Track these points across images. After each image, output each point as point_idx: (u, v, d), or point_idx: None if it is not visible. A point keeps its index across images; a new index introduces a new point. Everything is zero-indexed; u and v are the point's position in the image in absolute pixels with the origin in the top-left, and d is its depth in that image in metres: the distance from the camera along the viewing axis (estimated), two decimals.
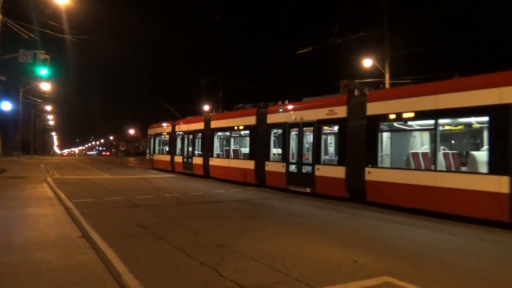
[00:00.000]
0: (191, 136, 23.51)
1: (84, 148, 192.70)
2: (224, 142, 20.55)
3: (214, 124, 21.07)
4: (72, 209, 10.16)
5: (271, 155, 16.47)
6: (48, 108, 59.56)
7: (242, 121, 18.19)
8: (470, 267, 5.77)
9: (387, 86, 23.53)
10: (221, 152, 20.58)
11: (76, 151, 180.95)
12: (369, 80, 24.54)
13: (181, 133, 24.96)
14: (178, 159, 25.01)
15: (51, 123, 79.75)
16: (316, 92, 15.43)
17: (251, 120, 17.42)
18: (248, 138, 18.41)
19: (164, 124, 28.30)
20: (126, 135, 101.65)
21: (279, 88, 57.34)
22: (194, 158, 22.91)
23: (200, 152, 22.49)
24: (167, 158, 26.61)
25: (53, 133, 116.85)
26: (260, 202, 12.66)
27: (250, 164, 17.27)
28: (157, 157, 29.07)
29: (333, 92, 15.37)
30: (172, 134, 26.20)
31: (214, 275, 5.14)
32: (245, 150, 18.78)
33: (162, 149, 28.57)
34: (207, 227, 8.32)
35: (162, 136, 28.35)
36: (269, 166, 16.19)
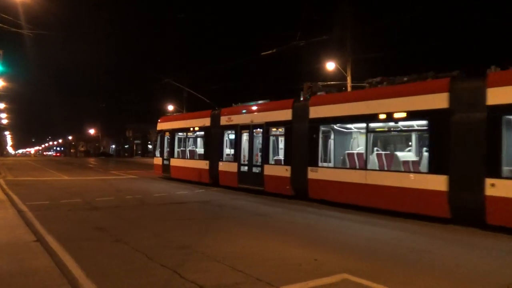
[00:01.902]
0: (256, 134, 15.31)
1: (40, 148, 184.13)
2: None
3: None
4: (25, 212, 9.70)
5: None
6: (1, 106, 56.40)
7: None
8: (423, 263, 6.05)
9: (349, 88, 24.22)
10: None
11: (32, 151, 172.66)
12: (332, 82, 25.17)
13: (237, 128, 16.11)
14: (230, 167, 16.44)
15: (5, 121, 75.63)
16: (281, 93, 15.70)
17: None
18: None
19: (194, 116, 19.83)
20: (86, 135, 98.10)
21: (246, 89, 57.45)
22: (266, 166, 14.51)
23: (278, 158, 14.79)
24: (203, 165, 17.91)
25: (7, 133, 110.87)
26: (224, 202, 12.64)
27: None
28: (177, 162, 20.22)
29: (297, 93, 15.63)
30: (213, 130, 17.49)
31: (174, 276, 5.09)
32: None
33: (191, 151, 19.85)
34: (169, 228, 8.21)
35: (190, 133, 19.72)
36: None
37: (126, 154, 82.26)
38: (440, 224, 8.99)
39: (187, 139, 20.20)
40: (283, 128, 14.00)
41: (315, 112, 12.52)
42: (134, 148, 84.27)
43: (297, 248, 6.69)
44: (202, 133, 18.60)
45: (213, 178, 17.31)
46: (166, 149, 21.58)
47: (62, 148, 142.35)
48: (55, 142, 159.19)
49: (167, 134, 21.51)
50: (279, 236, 7.75)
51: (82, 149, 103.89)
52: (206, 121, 17.94)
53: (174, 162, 20.55)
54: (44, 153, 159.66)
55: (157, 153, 22.52)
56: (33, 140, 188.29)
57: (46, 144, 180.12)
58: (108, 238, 7.24)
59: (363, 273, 5.30)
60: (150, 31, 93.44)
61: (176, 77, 36.86)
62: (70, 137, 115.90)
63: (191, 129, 19.36)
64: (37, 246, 6.37)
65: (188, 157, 19.71)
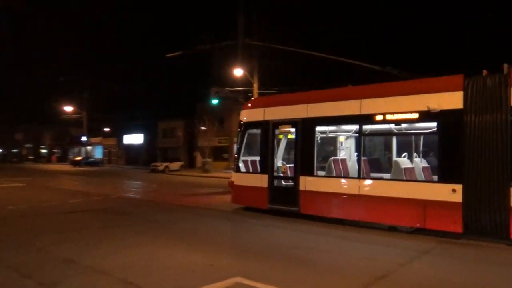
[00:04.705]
0: None
1: None
2: None
3: None
4: None
5: None
6: None
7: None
8: (324, 263, 6.28)
9: (255, 95, 24.86)
10: None
11: None
12: (240, 88, 25.61)
13: None
14: None
15: None
16: (184, 98, 15.35)
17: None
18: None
19: (393, 89, 9.22)
20: None
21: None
22: None
23: None
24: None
25: None
26: (122, 210, 11.93)
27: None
28: (331, 184, 9.86)
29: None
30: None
31: None
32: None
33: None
34: (54, 241, 7.43)
35: (377, 125, 9.52)
36: None
37: (14, 160, 73.35)
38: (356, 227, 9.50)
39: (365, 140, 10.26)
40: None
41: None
42: (25, 152, 75.69)
43: (196, 254, 6.54)
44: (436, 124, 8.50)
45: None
46: (280, 157, 11.36)
47: None
48: None
49: (284, 129, 11.02)
50: (180, 243, 7.51)
51: None
52: (449, 98, 8.09)
53: (319, 184, 9.91)
54: None
55: (246, 165, 11.84)
56: None
57: None
58: None
59: (257, 276, 5.36)
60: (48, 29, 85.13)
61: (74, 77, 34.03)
62: None
63: (387, 117, 8.91)
64: None
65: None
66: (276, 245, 7.44)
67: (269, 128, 10.82)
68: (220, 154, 39.75)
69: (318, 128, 10.11)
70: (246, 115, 11.71)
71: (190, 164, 43.09)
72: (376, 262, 6.29)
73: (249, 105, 12.11)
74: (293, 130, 10.54)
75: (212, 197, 15.55)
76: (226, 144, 39.40)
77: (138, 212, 11.74)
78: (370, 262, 6.31)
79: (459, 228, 7.64)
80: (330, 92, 10.19)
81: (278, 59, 28.14)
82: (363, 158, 9.32)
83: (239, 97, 25.26)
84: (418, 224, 8.13)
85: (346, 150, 11.27)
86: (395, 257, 6.57)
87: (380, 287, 5.17)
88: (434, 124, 8.20)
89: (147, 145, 51.17)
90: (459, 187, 7.60)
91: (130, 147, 54.18)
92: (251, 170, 11.59)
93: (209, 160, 35.36)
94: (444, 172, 7.94)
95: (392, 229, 8.60)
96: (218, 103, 25.93)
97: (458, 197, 7.60)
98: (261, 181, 10.79)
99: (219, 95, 19.39)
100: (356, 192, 9.03)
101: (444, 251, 7.19)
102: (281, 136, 11.40)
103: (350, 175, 9.89)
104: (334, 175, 9.80)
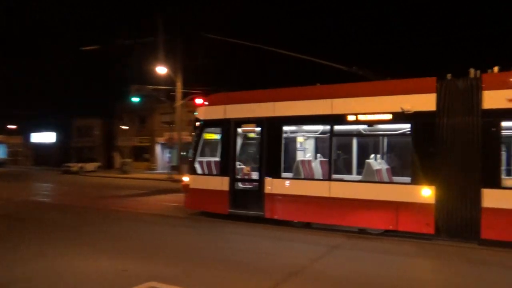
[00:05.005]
0: None
1: None
2: None
3: None
4: None
5: None
6: None
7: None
8: (242, 262, 6.34)
9: (178, 94, 24.42)
10: None
11: None
12: (162, 87, 24.94)
13: None
14: None
15: None
16: (102, 95, 14.32)
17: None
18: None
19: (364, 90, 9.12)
20: None
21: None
22: None
23: None
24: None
25: None
26: (27, 216, 10.89)
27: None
28: (306, 187, 9.54)
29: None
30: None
31: None
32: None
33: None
34: None
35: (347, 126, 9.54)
36: None
37: None
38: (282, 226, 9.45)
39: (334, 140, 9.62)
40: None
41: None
42: None
43: (107, 261, 6.22)
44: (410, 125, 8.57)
45: None
46: (243, 158, 11.32)
47: None
48: None
49: (248, 128, 10.39)
50: (92, 248, 7.05)
51: None
52: (423, 100, 8.22)
53: (286, 186, 9.47)
54: None
55: (204, 166, 10.91)
56: None
57: None
58: None
59: (171, 278, 5.27)
60: None
61: None
62: None
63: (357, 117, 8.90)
64: None
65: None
66: (193, 247, 7.39)
67: (230, 127, 10.12)
68: (140, 154, 38.26)
69: (286, 128, 9.80)
70: (204, 113, 10.77)
71: (108, 164, 40.78)
72: (290, 259, 6.54)
73: (208, 102, 10.92)
74: (258, 129, 9.98)
75: (132, 200, 14.90)
76: (148, 144, 38.07)
77: (45, 217, 10.82)
78: (287, 259, 6.55)
79: (431, 230, 7.74)
80: (300, 91, 9.65)
81: (205, 57, 27.92)
82: (334, 159, 9.18)
83: (160, 95, 24.54)
84: (391, 226, 8.15)
85: (316, 151, 11.05)
86: (308, 253, 6.90)
87: (292, 283, 5.38)
88: (408, 125, 8.23)
89: (60, 144, 47.28)
90: (432, 189, 7.73)
91: (40, 146, 49.64)
92: (209, 172, 10.69)
93: (128, 160, 33.89)
94: (417, 173, 7.94)
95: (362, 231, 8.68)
96: (139, 101, 25.00)
97: (431, 199, 7.73)
98: (221, 183, 10.01)
99: (140, 93, 18.61)
100: (327, 195, 8.73)
101: (354, 245, 7.73)
102: (246, 135, 10.98)
103: (321, 177, 9.67)
104: (303, 176, 9.50)
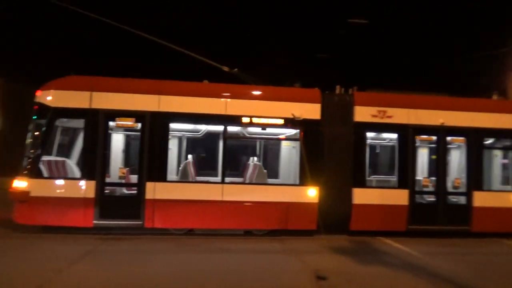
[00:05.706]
0: None
1: None
2: None
3: None
4: None
5: None
6: None
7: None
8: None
9: None
10: None
11: None
12: None
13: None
14: None
15: None
16: None
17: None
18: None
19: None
20: None
21: None
22: None
23: None
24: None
25: None
26: None
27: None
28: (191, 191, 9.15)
29: None
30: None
31: None
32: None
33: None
34: None
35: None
36: None
37: None
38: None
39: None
40: None
41: None
42: None
43: None
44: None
45: None
46: (117, 158, 9.73)
47: None
48: None
49: (124, 123, 9.00)
50: None
51: None
52: (310, 109, 9.18)
53: (173, 191, 8.86)
54: None
55: (54, 168, 8.75)
56: None
57: None
58: None
59: None
60: None
61: None
62: None
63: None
64: None
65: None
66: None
67: (98, 120, 8.39)
68: None
69: (173, 126, 9.00)
70: (57, 98, 8.52)
71: None
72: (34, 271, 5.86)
73: (63, 85, 8.66)
74: (138, 124, 8.66)
75: None
76: None
77: None
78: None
79: (313, 226, 8.72)
80: (191, 86, 9.10)
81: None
82: (226, 160, 8.99)
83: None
84: (281, 226, 8.83)
85: (207, 151, 10.83)
86: (55, 263, 6.18)
87: None
88: (297, 130, 8.97)
89: None
90: (316, 189, 8.80)
91: None
92: (64, 175, 8.54)
93: None
94: (304, 175, 8.78)
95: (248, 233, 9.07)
96: None
97: (315, 199, 8.79)
98: (85, 189, 8.24)
99: None
100: (219, 198, 8.65)
101: (110, 247, 7.52)
102: (123, 131, 9.49)
103: (213, 180, 9.21)
104: (191, 179, 9.10)
